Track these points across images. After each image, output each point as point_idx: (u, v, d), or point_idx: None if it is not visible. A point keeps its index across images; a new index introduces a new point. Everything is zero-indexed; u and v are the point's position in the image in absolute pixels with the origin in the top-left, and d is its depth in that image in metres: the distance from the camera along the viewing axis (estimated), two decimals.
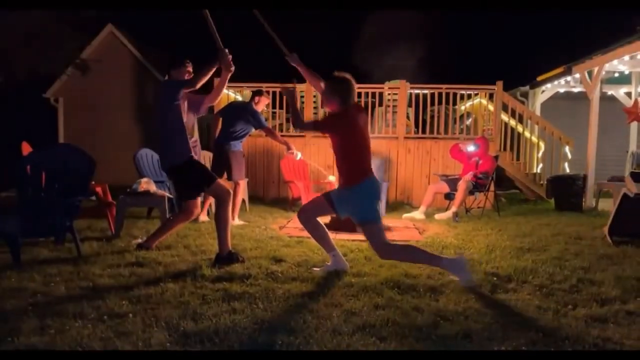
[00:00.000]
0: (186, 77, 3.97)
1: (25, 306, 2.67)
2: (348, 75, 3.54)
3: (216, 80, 4.29)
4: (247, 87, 8.73)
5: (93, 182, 4.63)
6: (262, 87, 8.56)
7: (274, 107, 8.67)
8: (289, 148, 6.06)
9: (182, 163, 3.85)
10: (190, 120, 3.96)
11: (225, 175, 5.84)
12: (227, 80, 4.06)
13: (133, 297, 2.83)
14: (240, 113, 5.79)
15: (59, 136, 12.94)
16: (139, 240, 4.50)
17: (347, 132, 3.44)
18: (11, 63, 9.68)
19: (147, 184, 4.96)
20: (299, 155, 6.19)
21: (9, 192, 4.21)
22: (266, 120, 8.82)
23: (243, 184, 5.94)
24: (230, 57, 3.82)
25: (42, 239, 4.25)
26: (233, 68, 3.88)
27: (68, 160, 3.62)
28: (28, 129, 10.85)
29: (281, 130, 8.83)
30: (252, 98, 5.95)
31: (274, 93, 8.52)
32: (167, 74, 4.10)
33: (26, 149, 4.65)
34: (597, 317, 2.62)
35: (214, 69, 3.88)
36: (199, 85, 3.82)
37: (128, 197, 4.87)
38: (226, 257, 3.73)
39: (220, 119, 5.86)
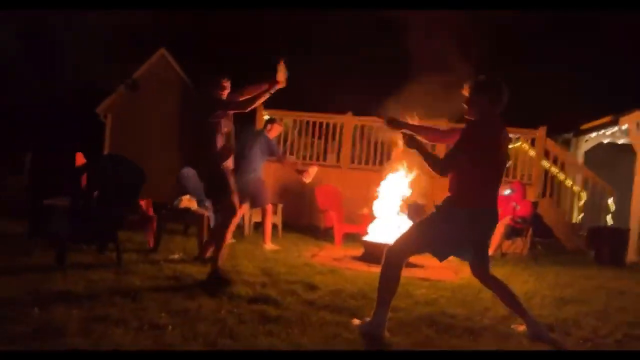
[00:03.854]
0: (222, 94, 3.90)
1: (70, 309, 2.75)
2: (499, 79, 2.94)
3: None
4: (290, 115, 8.90)
5: None
6: (303, 116, 8.78)
7: (312, 135, 8.81)
8: (300, 172, 6.00)
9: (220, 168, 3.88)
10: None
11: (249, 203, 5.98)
12: (265, 96, 3.87)
13: (172, 310, 2.88)
14: (256, 140, 5.92)
15: (104, 151, 13.46)
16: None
17: (474, 150, 2.82)
18: (68, 76, 10.24)
19: (188, 202, 5.09)
20: (314, 170, 6.03)
21: (60, 199, 4.38)
22: (305, 148, 9.01)
23: (270, 209, 6.00)
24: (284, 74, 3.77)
25: (85, 247, 4.38)
26: (280, 85, 3.79)
27: (121, 172, 3.78)
28: (77, 141, 11.34)
29: (317, 160, 8.93)
30: (265, 126, 6.15)
31: (314, 123, 8.67)
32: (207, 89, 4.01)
33: (79, 159, 4.87)
34: None
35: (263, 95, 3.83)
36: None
37: (169, 212, 5.01)
38: (215, 274, 3.67)
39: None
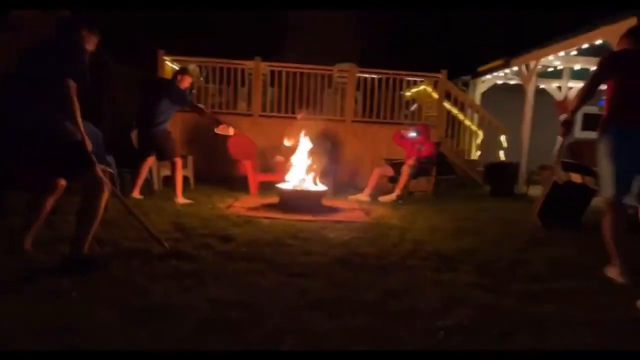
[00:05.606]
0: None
1: None
2: None
3: None
4: (195, 61, 8.43)
5: None
6: (209, 62, 8.35)
7: (220, 83, 8.46)
8: (219, 123, 5.98)
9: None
10: None
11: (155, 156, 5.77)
12: None
13: (74, 275, 2.70)
14: (166, 91, 5.64)
15: None
16: None
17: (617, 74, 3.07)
18: None
19: None
20: (231, 130, 6.10)
21: None
22: (213, 96, 8.65)
23: (179, 162, 5.79)
24: None
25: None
26: None
27: None
28: None
29: (227, 108, 8.65)
30: (175, 76, 5.86)
31: (221, 69, 8.30)
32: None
33: None
34: (531, 294, 2.81)
35: None
36: None
37: None
38: (80, 260, 2.81)
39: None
